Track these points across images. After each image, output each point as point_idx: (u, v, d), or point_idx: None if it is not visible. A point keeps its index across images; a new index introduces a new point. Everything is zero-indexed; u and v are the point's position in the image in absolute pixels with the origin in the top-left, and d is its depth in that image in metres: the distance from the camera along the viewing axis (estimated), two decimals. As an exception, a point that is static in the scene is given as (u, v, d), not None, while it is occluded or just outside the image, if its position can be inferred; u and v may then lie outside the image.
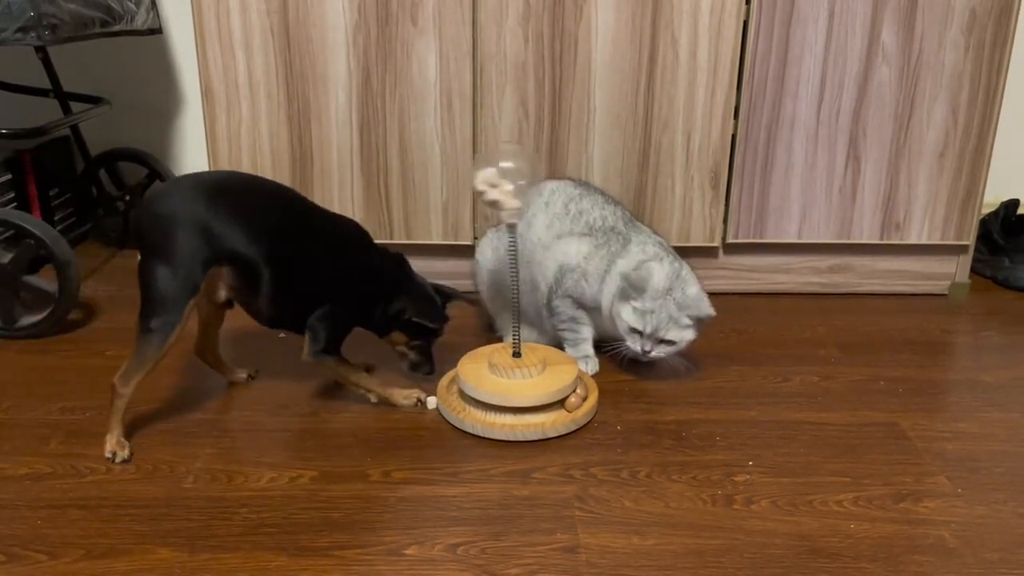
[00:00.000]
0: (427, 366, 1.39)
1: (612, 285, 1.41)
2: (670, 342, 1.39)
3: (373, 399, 1.37)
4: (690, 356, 1.54)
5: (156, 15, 1.97)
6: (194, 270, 1.18)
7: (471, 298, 1.48)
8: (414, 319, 1.33)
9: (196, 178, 1.25)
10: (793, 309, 1.77)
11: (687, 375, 1.48)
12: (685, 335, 1.39)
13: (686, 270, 1.40)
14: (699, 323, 1.40)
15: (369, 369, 1.48)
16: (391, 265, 1.36)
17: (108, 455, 1.21)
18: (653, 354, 1.39)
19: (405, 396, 1.36)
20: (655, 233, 1.49)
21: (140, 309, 1.18)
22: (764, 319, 1.71)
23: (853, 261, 1.82)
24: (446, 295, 1.39)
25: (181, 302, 1.18)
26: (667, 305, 1.36)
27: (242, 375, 1.44)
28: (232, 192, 1.24)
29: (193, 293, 1.19)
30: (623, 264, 1.41)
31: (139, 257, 1.19)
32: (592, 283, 1.43)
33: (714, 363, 1.52)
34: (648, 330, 1.37)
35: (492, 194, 1.25)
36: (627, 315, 1.38)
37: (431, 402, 1.36)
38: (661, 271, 1.37)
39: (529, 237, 1.49)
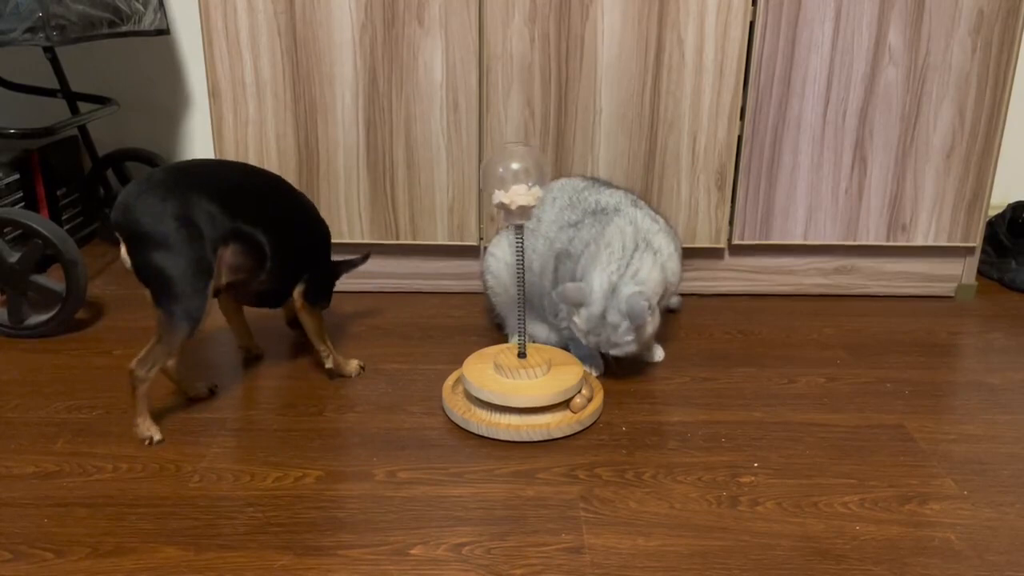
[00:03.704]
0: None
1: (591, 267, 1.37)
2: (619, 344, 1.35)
3: (328, 363, 1.43)
4: (693, 358, 1.54)
5: (164, 16, 1.98)
6: (204, 253, 1.21)
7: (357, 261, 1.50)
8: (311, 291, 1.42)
9: (165, 170, 1.24)
10: (799, 311, 1.76)
11: (686, 373, 1.48)
12: (627, 340, 1.34)
13: (637, 263, 1.34)
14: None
15: (363, 368, 1.49)
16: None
17: (144, 439, 1.24)
18: (614, 352, 1.36)
19: (352, 368, 1.46)
20: (656, 216, 1.45)
21: (160, 301, 1.20)
22: (770, 321, 1.71)
23: (859, 263, 1.82)
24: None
25: (203, 286, 1.21)
26: (604, 327, 1.33)
27: (203, 390, 1.40)
28: (210, 173, 1.27)
29: (211, 275, 1.22)
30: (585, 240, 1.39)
31: (133, 256, 1.20)
32: (576, 264, 1.39)
33: (719, 364, 1.52)
34: (592, 343, 1.36)
35: (500, 196, 1.25)
36: (574, 320, 1.36)
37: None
38: (599, 283, 1.32)
39: (539, 233, 1.48)
